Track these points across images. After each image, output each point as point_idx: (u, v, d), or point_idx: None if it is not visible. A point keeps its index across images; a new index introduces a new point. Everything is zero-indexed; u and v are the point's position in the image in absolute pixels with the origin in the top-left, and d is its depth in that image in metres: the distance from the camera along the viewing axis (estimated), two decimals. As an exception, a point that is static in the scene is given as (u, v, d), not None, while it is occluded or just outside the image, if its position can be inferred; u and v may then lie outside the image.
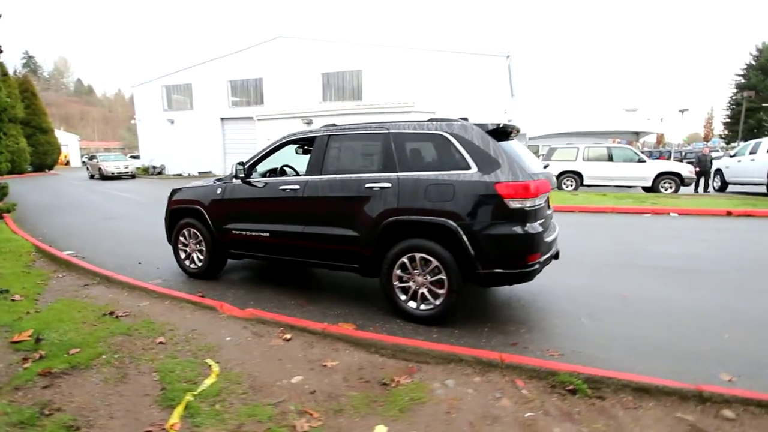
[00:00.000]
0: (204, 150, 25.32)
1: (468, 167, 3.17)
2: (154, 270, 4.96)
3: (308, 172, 3.85)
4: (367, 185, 3.46)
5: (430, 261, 3.25)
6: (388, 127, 3.55)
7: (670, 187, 12.58)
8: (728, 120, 46.86)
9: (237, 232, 4.19)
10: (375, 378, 2.50)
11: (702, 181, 13.80)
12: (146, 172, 26.11)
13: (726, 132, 47.19)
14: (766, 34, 53.66)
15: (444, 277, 3.21)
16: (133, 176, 23.29)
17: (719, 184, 13.79)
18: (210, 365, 2.59)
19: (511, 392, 2.32)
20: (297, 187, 3.81)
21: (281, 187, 3.90)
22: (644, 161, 13.02)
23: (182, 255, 4.74)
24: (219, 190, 4.33)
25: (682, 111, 35.97)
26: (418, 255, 3.29)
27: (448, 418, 2.11)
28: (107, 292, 4.13)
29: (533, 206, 3.06)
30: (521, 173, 3.06)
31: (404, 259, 3.35)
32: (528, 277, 3.12)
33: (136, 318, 3.39)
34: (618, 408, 2.17)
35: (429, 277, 3.30)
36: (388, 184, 3.38)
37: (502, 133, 3.36)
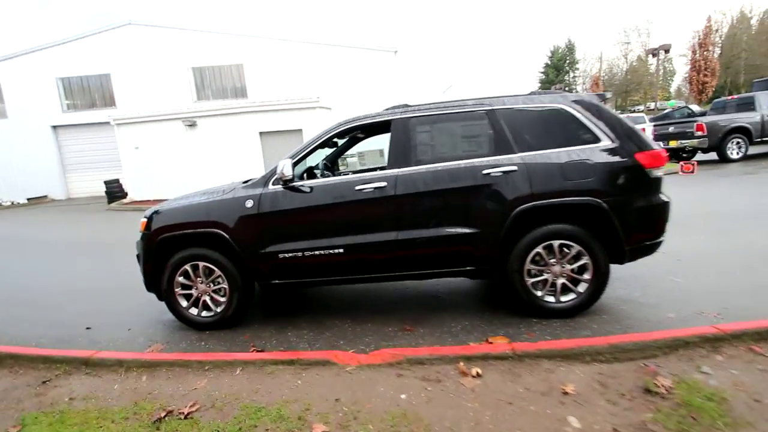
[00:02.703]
0: (30, 168, 19.41)
1: (597, 139, 2.94)
2: (123, 334, 3.40)
3: (393, 164, 3.07)
4: (485, 171, 2.93)
5: (571, 247, 2.93)
6: (491, 104, 3.07)
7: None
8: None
9: (288, 255, 3.13)
10: (633, 388, 2.09)
11: None
12: (-66, 206, 18.71)
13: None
14: (559, 39, 68.03)
15: (588, 261, 2.94)
16: None
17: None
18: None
19: None
20: (384, 184, 3.01)
21: (358, 188, 3.03)
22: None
23: (184, 303, 3.35)
24: (250, 202, 3.15)
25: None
26: (556, 242, 2.94)
27: None
28: (101, 383, 2.61)
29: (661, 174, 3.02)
30: (648, 140, 2.97)
31: (538, 249, 2.96)
32: (660, 246, 3.08)
33: (220, 410, 2.18)
34: None
35: (568, 265, 2.98)
36: (513, 168, 2.91)
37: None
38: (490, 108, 3.05)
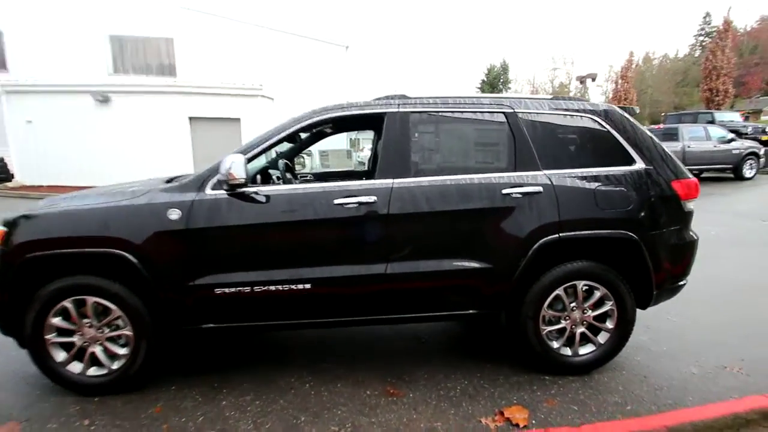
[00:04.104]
0: None
1: (631, 160, 2.44)
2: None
3: (385, 173, 2.29)
4: (505, 191, 2.28)
5: (596, 289, 2.40)
6: (511, 105, 2.43)
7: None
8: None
9: (230, 290, 2.20)
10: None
11: None
12: None
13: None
14: (495, 57, 72.14)
15: (613, 306, 2.42)
16: None
17: None
18: None
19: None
20: (372, 199, 2.22)
21: (338, 201, 2.21)
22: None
23: (60, 355, 2.25)
24: (176, 213, 2.16)
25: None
26: (581, 284, 2.38)
27: None
28: None
29: (691, 207, 2.61)
30: (683, 167, 2.55)
31: (559, 292, 2.38)
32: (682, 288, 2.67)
33: None
34: None
35: (590, 311, 2.44)
36: (538, 188, 2.30)
37: None
38: (511, 110, 2.41)
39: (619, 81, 28.56)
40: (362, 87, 22.37)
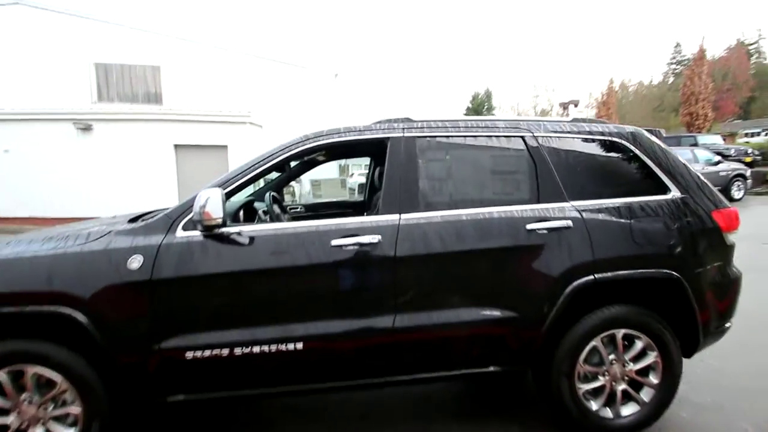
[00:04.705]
0: None
1: (665, 189, 2.16)
2: None
3: (389, 207, 1.96)
4: (530, 226, 1.97)
5: (637, 338, 2.06)
6: (529, 128, 2.16)
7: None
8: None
9: (204, 354, 1.80)
10: None
11: None
12: None
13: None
14: (480, 86, 74.42)
15: (657, 358, 2.08)
16: None
17: None
18: None
19: None
20: (376, 238, 1.88)
21: (335, 243, 1.86)
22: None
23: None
24: (137, 260, 1.78)
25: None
26: (620, 332, 2.04)
27: None
28: None
29: (731, 239, 2.33)
30: (720, 195, 2.28)
31: (595, 343, 2.04)
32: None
33: None
34: None
35: (632, 364, 2.09)
36: (568, 223, 1.99)
37: None
38: (530, 134, 2.13)
39: (602, 107, 29.36)
40: (352, 114, 22.43)
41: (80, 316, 1.71)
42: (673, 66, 51.62)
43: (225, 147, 13.30)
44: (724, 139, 20.98)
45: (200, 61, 16.84)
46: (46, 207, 12.52)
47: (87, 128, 12.85)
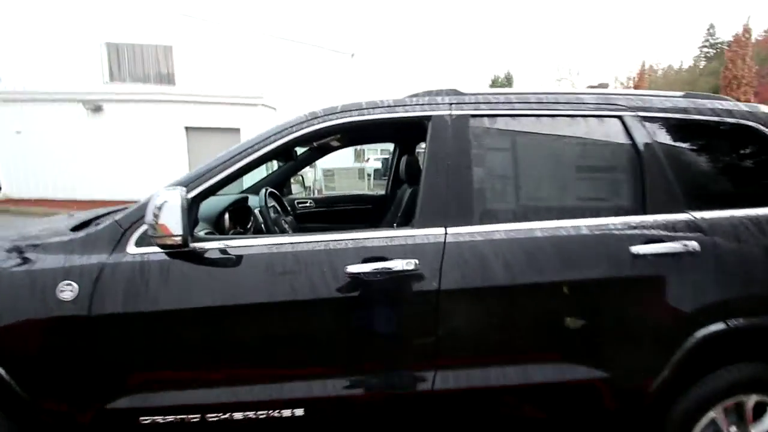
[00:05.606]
0: None
1: (822, 195, 1.51)
2: None
3: (428, 216, 1.37)
4: (637, 249, 1.35)
5: (769, 403, 1.46)
6: (629, 105, 1.51)
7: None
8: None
9: (162, 420, 1.27)
10: None
11: None
12: None
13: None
14: (499, 69, 72.01)
15: (798, 429, 1.47)
16: None
17: None
18: None
19: None
20: (411, 264, 1.29)
21: (352, 270, 1.28)
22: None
23: None
24: (70, 290, 1.25)
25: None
26: (751, 399, 1.43)
27: None
28: None
29: None
30: None
31: (714, 414, 1.43)
32: None
33: None
34: None
35: (759, 437, 1.49)
36: (692, 244, 1.37)
37: None
38: (631, 114, 1.49)
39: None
40: (368, 95, 21.67)
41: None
42: (706, 49, 48.57)
43: (237, 130, 12.81)
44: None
45: (213, 41, 16.26)
46: (57, 188, 12.39)
47: (97, 109, 12.51)
